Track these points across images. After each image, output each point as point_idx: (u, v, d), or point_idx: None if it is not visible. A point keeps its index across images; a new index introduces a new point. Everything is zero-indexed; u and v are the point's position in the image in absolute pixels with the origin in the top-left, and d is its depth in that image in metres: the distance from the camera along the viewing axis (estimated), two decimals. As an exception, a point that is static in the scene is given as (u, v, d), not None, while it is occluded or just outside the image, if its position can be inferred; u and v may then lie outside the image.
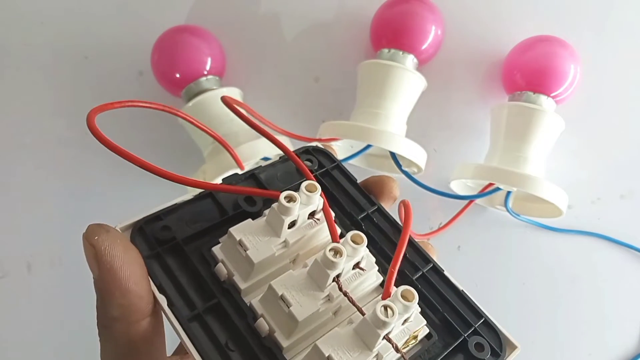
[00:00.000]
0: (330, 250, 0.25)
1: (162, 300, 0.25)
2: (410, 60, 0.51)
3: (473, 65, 0.56)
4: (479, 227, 0.57)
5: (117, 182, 0.57)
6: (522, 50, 0.52)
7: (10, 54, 0.58)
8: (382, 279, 0.28)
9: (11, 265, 0.56)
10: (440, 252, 0.33)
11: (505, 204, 0.53)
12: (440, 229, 0.53)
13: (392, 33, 0.51)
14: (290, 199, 0.26)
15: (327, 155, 0.34)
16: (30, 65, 0.58)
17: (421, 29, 0.51)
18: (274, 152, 0.47)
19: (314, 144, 0.34)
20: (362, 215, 0.32)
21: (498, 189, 0.51)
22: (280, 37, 0.57)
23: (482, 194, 0.51)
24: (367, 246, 0.27)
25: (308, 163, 0.33)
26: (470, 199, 0.52)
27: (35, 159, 0.57)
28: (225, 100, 0.32)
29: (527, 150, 0.49)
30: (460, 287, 0.31)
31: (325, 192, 0.32)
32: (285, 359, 0.25)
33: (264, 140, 0.47)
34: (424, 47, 0.51)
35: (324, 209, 0.28)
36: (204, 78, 0.51)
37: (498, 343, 0.29)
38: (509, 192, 0.52)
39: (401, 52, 0.51)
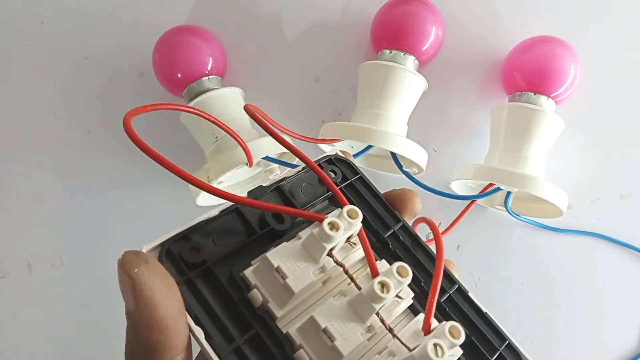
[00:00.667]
0: (378, 283, 0.24)
1: (200, 333, 0.24)
2: (411, 61, 0.51)
3: (473, 66, 0.56)
4: (478, 227, 0.57)
5: (118, 181, 0.57)
6: (522, 51, 0.52)
7: (10, 54, 0.58)
8: (411, 302, 0.28)
9: (11, 265, 0.56)
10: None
11: (505, 204, 0.53)
12: (443, 232, 0.53)
13: (393, 34, 0.51)
14: (333, 227, 0.25)
15: (349, 166, 0.33)
16: (30, 65, 0.58)
17: (422, 30, 0.51)
18: (276, 152, 0.47)
19: (334, 152, 0.33)
20: (388, 233, 0.31)
21: (498, 189, 0.51)
22: (281, 38, 0.57)
23: (482, 194, 0.51)
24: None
25: (331, 174, 0.32)
26: (471, 199, 0.52)
27: (35, 159, 0.57)
28: (249, 110, 0.31)
29: (527, 151, 0.49)
30: (484, 309, 0.31)
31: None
32: None
33: (265, 139, 0.47)
34: (424, 48, 0.51)
35: (360, 239, 0.27)
36: (206, 78, 0.51)
37: (516, 358, 0.30)
38: (509, 192, 0.52)
39: (402, 53, 0.51)
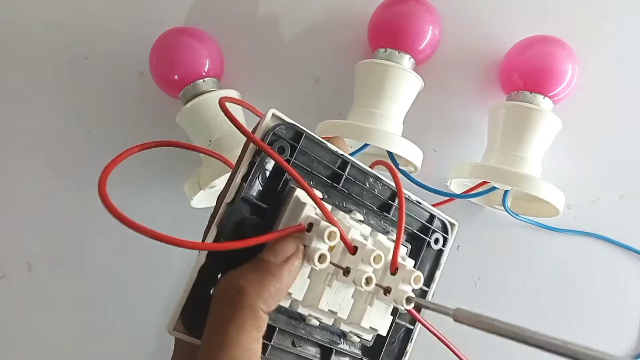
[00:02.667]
0: (365, 281, 0.30)
1: None
2: (406, 60, 0.51)
3: (471, 65, 0.56)
4: (478, 227, 0.57)
5: (117, 182, 0.56)
6: (520, 50, 0.52)
7: (10, 54, 0.58)
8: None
9: (11, 265, 0.56)
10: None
11: (504, 204, 0.53)
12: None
13: (389, 33, 0.51)
14: (320, 259, 0.29)
15: (289, 128, 0.32)
16: (30, 65, 0.58)
17: (418, 29, 0.51)
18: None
19: (270, 123, 0.31)
20: (342, 183, 0.34)
21: (494, 188, 0.51)
22: (279, 38, 0.57)
23: (475, 193, 0.51)
24: (356, 211, 0.34)
25: (283, 152, 0.31)
26: (467, 197, 0.52)
27: (35, 159, 0.57)
28: (221, 102, 0.32)
29: (523, 150, 0.49)
30: (415, 198, 0.36)
31: (303, 172, 0.33)
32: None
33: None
34: (421, 47, 0.51)
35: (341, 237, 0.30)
36: (201, 80, 0.51)
37: (444, 228, 0.38)
38: (506, 192, 0.52)
39: (397, 52, 0.51)
